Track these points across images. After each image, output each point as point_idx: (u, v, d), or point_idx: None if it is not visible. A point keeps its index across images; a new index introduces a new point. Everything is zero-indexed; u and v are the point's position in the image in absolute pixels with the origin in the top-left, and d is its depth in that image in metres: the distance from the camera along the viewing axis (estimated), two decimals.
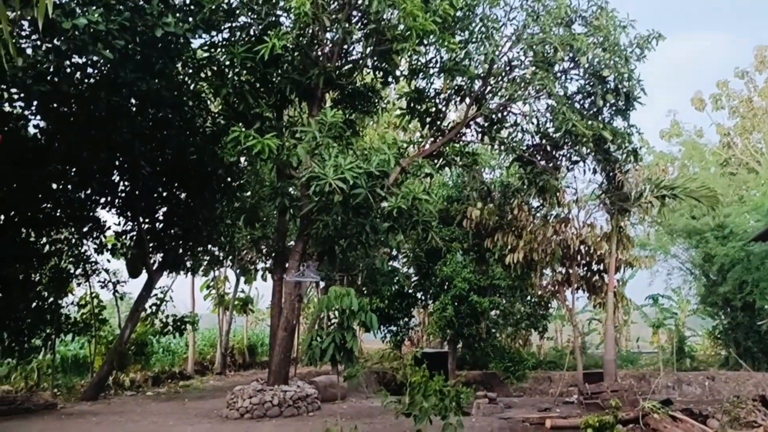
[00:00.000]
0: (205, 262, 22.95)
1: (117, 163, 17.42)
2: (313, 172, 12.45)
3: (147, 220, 19.17)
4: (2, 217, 16.42)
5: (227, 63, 14.75)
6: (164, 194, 19.00)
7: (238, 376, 23.78)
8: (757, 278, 21.96)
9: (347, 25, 14.31)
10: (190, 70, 16.21)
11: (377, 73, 16.49)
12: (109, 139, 15.59)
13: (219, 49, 15.10)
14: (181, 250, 19.73)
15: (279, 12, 14.64)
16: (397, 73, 16.46)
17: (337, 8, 14.12)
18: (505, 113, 17.11)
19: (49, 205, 17.25)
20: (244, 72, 14.85)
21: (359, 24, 14.84)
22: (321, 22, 13.56)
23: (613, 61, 15.19)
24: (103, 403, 16.45)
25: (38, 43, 13.16)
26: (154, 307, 20.36)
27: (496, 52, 15.38)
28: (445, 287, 21.21)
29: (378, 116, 19.56)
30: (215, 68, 15.35)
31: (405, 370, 9.04)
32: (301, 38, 14.45)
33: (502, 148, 17.86)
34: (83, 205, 17.92)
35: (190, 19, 13.96)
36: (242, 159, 17.26)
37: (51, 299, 18.08)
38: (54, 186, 17.15)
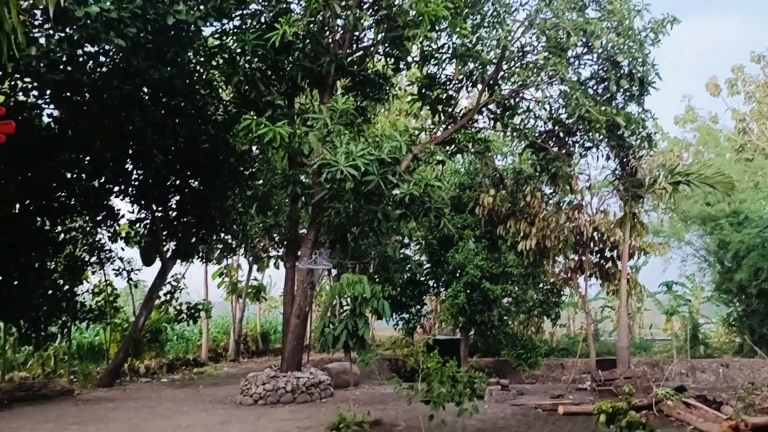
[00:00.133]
0: (218, 250, 23.08)
1: (130, 151, 17.49)
2: (325, 160, 12.43)
3: (160, 209, 19.28)
4: (17, 206, 16.57)
5: (238, 50, 14.71)
6: (177, 183, 19.09)
7: (251, 363, 23.94)
8: None
9: (358, 11, 14.23)
10: (202, 58, 16.22)
11: (388, 59, 16.40)
12: (122, 127, 15.66)
13: (230, 37, 15.08)
14: (194, 239, 19.85)
15: None
16: (409, 59, 16.36)
17: None
18: (517, 99, 16.96)
19: (63, 194, 17.39)
20: (256, 59, 14.82)
21: (370, 10, 14.76)
22: (332, 9, 13.49)
23: (627, 46, 15.01)
24: (118, 390, 16.64)
25: (51, 32, 13.22)
26: (168, 295, 20.51)
27: (509, 38, 15.22)
28: (458, 275, 21.19)
29: (389, 103, 19.48)
30: (226, 56, 15.33)
31: (417, 357, 9.06)
32: (312, 25, 14.40)
33: (515, 134, 17.74)
34: (97, 193, 18.03)
35: (201, 6, 13.95)
36: (254, 147, 17.27)
37: (66, 287, 18.29)
38: (68, 175, 17.27)
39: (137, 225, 19.45)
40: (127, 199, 18.78)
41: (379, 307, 11.42)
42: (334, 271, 24.07)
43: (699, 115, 32.13)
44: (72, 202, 17.67)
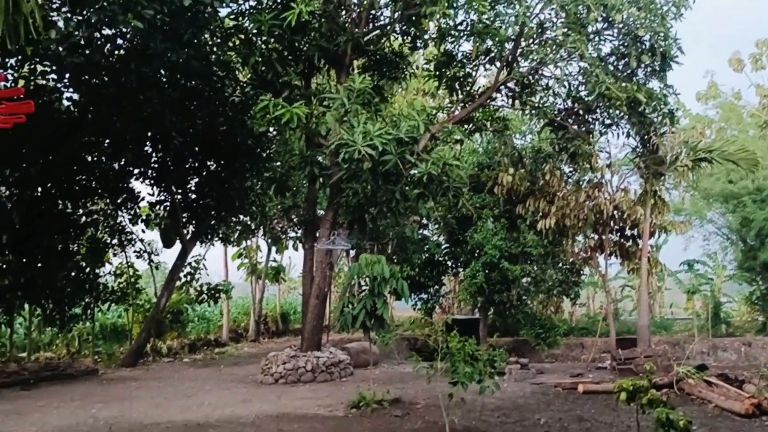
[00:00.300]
0: (237, 232, 23.23)
1: (149, 134, 17.59)
2: (342, 140, 12.40)
3: (179, 191, 19.43)
4: (39, 189, 16.79)
5: (255, 31, 14.67)
6: (196, 165, 19.20)
7: (271, 343, 24.17)
8: None
9: None
10: (218, 40, 16.20)
11: (405, 38, 16.26)
12: (140, 110, 15.74)
13: (246, 17, 15.06)
14: (213, 220, 20.01)
15: None
16: (426, 37, 16.21)
17: None
18: (536, 77, 16.76)
19: (84, 177, 17.58)
20: (272, 40, 14.77)
21: None
22: None
23: (648, 20, 14.70)
24: (142, 369, 16.90)
25: (69, 15, 13.26)
26: (188, 276, 20.75)
27: (527, 14, 14.97)
28: (476, 254, 21.14)
29: (406, 83, 19.33)
30: (243, 37, 15.31)
31: (437, 336, 9.07)
32: (328, 4, 14.30)
33: (534, 112, 17.57)
34: (117, 176, 18.21)
35: None
36: (271, 128, 17.28)
37: (89, 269, 18.54)
38: (88, 158, 17.45)
39: (157, 207, 19.64)
40: (146, 181, 18.97)
41: (398, 287, 11.45)
42: (352, 252, 24.13)
43: (722, 92, 31.52)
44: (93, 185, 17.87)
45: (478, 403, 10.52)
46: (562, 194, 18.12)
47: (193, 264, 20.81)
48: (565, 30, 14.92)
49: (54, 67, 14.72)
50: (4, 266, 16.14)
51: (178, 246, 19.43)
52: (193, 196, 19.70)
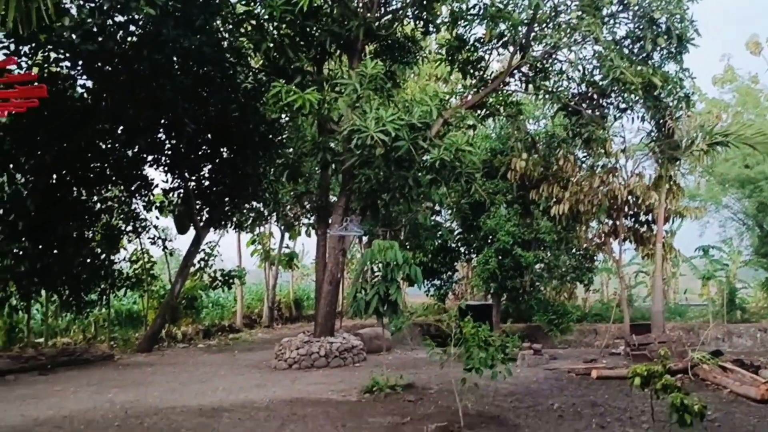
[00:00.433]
0: (251, 219, 23.31)
1: (162, 121, 17.64)
2: (355, 126, 12.36)
3: (193, 178, 19.50)
4: (54, 176, 16.91)
5: (266, 17, 14.61)
6: (209, 151, 19.25)
7: (285, 329, 24.30)
8: None
9: None
10: (230, 26, 16.19)
11: (417, 22, 16.15)
12: (153, 97, 15.77)
13: (258, 3, 14.98)
14: (226, 207, 20.08)
15: None
16: (438, 21, 16.08)
17: None
18: (550, 61, 16.62)
19: (98, 164, 17.67)
20: (284, 25, 14.72)
21: None
22: None
23: (664, 2, 14.51)
24: (157, 355, 17.05)
25: (81, 2, 13.29)
26: (202, 263, 20.88)
27: None
28: (489, 241, 21.08)
29: (419, 68, 19.22)
30: (254, 22, 15.26)
31: (450, 322, 9.05)
32: None
33: (547, 97, 17.41)
34: (131, 163, 18.30)
35: None
36: (283, 115, 17.27)
37: (104, 256, 18.69)
38: (102, 145, 17.53)
39: (171, 194, 19.74)
40: (160, 168, 19.04)
41: (411, 272, 11.44)
42: (365, 239, 24.14)
43: (738, 75, 31.07)
44: (107, 172, 17.97)
45: (491, 388, 10.54)
46: (575, 179, 18.02)
47: (207, 250, 20.97)
48: (580, 13, 14.77)
49: (67, 55, 14.77)
50: (21, 253, 16.31)
51: (191, 232, 19.55)
52: (207, 183, 19.77)
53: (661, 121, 16.66)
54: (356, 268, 26.50)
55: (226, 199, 19.82)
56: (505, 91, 17.71)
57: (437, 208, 24.19)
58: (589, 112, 16.69)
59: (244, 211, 21.93)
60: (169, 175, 19.28)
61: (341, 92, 13.26)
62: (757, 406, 9.56)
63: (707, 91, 29.94)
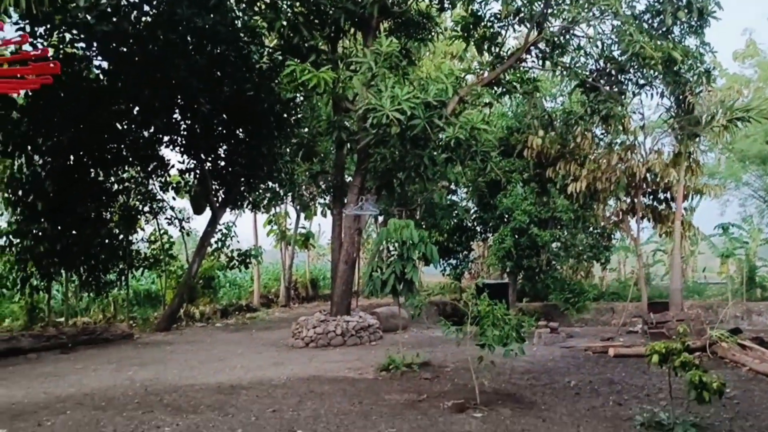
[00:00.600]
0: (267, 199, 23.38)
1: (177, 101, 17.65)
2: (370, 104, 12.28)
3: (209, 158, 19.55)
4: (72, 157, 17.03)
5: None
6: (224, 132, 19.26)
7: (302, 309, 24.46)
8: None
9: None
10: (244, 5, 16.08)
11: None
12: (168, 77, 15.78)
13: None
14: (242, 187, 20.14)
15: None
16: None
17: None
18: (567, 37, 16.34)
19: (114, 145, 17.76)
20: (298, 3, 14.63)
21: None
22: None
23: None
24: (175, 334, 17.24)
25: None
26: (219, 243, 21.02)
27: None
28: (505, 220, 21.01)
29: (434, 45, 19.01)
30: (268, 1, 15.14)
31: (467, 299, 9.03)
32: None
33: (564, 73, 17.17)
34: (147, 144, 18.37)
35: None
36: (298, 94, 17.21)
37: (122, 236, 18.86)
38: (118, 126, 17.59)
39: (187, 175, 19.81)
40: (176, 149, 19.10)
41: (427, 251, 11.39)
42: (380, 218, 24.15)
43: (761, 50, 30.43)
44: (123, 153, 18.07)
45: (507, 366, 10.54)
46: (593, 157, 17.84)
47: (224, 230, 21.10)
48: None
49: (82, 36, 14.79)
50: (40, 234, 16.50)
51: (208, 213, 19.64)
52: (222, 163, 19.83)
53: (681, 96, 16.41)
54: (372, 247, 26.57)
55: (242, 179, 19.87)
56: (521, 68, 17.48)
57: (453, 187, 24.12)
58: (608, 88, 16.44)
59: (260, 191, 22.00)
60: (185, 155, 19.35)
61: (356, 71, 13.16)
62: None
63: (728, 67, 29.41)
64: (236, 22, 16.16)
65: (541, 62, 17.10)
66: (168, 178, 19.79)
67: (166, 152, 19.35)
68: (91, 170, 17.69)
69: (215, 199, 19.58)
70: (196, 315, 20.63)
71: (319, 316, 14.75)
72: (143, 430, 7.08)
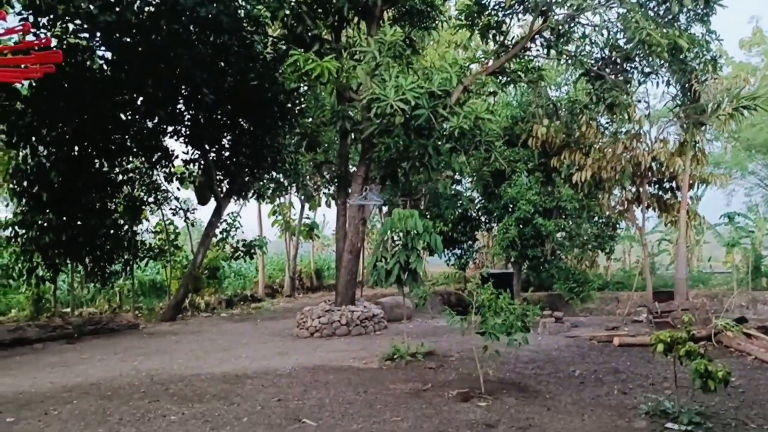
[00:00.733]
0: (271, 189, 23.40)
1: (181, 92, 17.62)
2: (374, 94, 12.24)
3: (213, 149, 19.54)
4: (76, 148, 17.04)
5: None
6: (228, 122, 19.24)
7: (306, 299, 24.52)
8: None
9: None
10: None
11: None
12: (172, 67, 15.75)
13: None
14: (247, 177, 20.14)
15: None
16: None
17: None
18: (572, 25, 16.23)
19: (119, 136, 17.75)
20: None
21: None
22: None
23: None
24: (180, 324, 17.30)
25: None
26: (224, 233, 21.06)
27: None
28: (510, 209, 20.97)
29: (438, 34, 18.92)
30: None
31: (471, 288, 9.02)
32: None
33: (569, 62, 17.06)
34: (151, 134, 18.37)
35: None
36: (302, 84, 17.15)
37: (127, 227, 18.90)
38: (122, 116, 17.58)
39: (191, 165, 19.83)
40: (180, 139, 19.08)
41: (431, 241, 11.39)
42: (385, 208, 24.15)
43: (767, 38, 30.19)
44: (128, 144, 18.05)
45: (512, 356, 10.55)
46: (598, 146, 17.76)
47: (229, 220, 21.13)
48: None
49: (85, 26, 14.74)
50: (46, 225, 16.54)
51: (212, 203, 19.67)
52: (226, 154, 19.82)
53: (687, 85, 16.29)
54: (376, 237, 26.59)
55: (246, 169, 19.87)
56: (526, 57, 17.38)
57: (457, 176, 24.08)
58: (613, 76, 16.33)
59: (264, 181, 22.01)
60: (189, 146, 19.35)
61: (360, 60, 13.11)
62: None
63: (734, 55, 29.23)
64: (239, 11, 16.09)
65: (545, 51, 16.99)
66: (172, 169, 19.79)
67: (170, 143, 19.33)
68: (96, 161, 17.70)
69: (219, 189, 19.59)
70: (201, 305, 20.71)
71: (324, 306, 14.78)
72: (149, 419, 7.11)
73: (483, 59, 18.03)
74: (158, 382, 9.09)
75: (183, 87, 17.19)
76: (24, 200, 16.50)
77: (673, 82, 16.51)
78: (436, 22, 16.85)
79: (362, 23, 15.95)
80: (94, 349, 12.73)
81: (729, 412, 7.21)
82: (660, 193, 18.23)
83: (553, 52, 16.72)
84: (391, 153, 14.71)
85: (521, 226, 20.15)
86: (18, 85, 14.53)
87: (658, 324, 14.15)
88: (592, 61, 16.52)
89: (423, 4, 16.20)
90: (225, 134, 19.58)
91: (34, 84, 14.95)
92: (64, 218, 16.87)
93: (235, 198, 20.82)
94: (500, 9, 16.28)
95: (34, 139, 16.00)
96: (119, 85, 16.25)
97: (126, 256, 18.98)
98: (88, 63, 15.85)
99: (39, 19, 14.13)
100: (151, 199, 19.96)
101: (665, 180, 17.95)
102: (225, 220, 20.91)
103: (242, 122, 19.32)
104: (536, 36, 16.22)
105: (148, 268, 22.78)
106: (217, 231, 20.41)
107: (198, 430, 6.66)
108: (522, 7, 15.99)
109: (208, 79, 16.46)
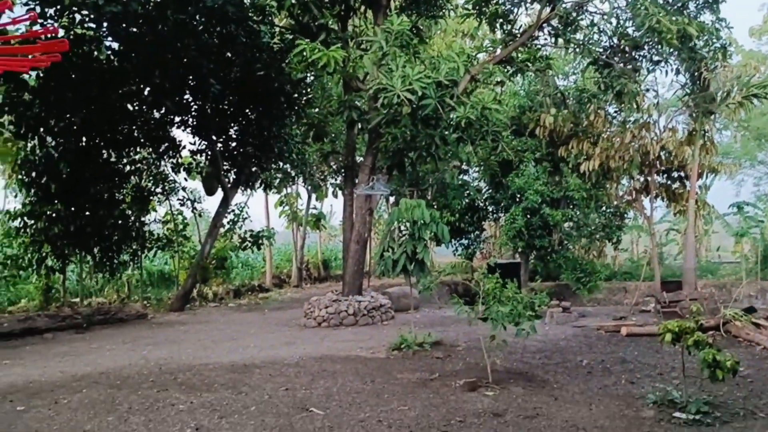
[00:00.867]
0: (278, 179, 23.40)
1: (188, 82, 17.62)
2: (381, 84, 12.20)
3: (220, 139, 19.55)
4: (84, 138, 17.09)
5: None
6: (235, 113, 19.23)
7: (313, 289, 24.56)
8: None
9: None
10: None
11: None
12: (178, 58, 15.73)
13: None
14: (254, 168, 20.16)
15: None
16: None
17: None
18: (581, 13, 16.11)
19: (126, 126, 17.78)
20: None
21: None
22: None
23: None
24: (189, 314, 17.39)
25: None
26: (231, 223, 21.10)
27: None
28: (517, 199, 20.91)
29: (445, 23, 18.80)
30: None
31: (478, 278, 9.01)
32: None
33: (577, 50, 16.95)
34: (159, 125, 18.39)
35: None
36: (309, 74, 17.11)
37: (134, 217, 18.97)
38: (130, 107, 17.60)
39: (198, 155, 19.85)
40: (187, 130, 19.09)
41: (438, 231, 11.37)
42: (392, 198, 24.12)
43: None
44: (135, 134, 18.09)
45: (519, 345, 10.55)
46: (606, 135, 17.68)
47: (236, 211, 21.16)
48: None
49: (92, 17, 14.73)
50: (54, 215, 16.62)
51: (219, 194, 19.69)
52: (233, 144, 19.83)
53: (696, 73, 16.16)
54: (383, 227, 26.59)
55: (253, 159, 19.88)
56: (534, 46, 17.27)
57: (464, 166, 24.01)
58: (621, 65, 16.22)
59: (271, 171, 22.01)
60: (196, 136, 19.36)
61: (366, 49, 13.06)
62: None
63: (744, 43, 28.95)
64: (245, 1, 16.04)
65: (553, 39, 16.89)
66: (179, 159, 19.83)
67: (177, 133, 19.38)
68: (104, 151, 17.75)
69: (226, 179, 19.62)
70: (209, 295, 20.79)
71: (331, 296, 14.81)
72: (158, 408, 7.15)
73: (490, 48, 17.92)
74: (167, 372, 9.14)
75: (190, 77, 17.19)
76: (33, 191, 16.58)
77: (682, 71, 16.38)
78: (443, 10, 16.75)
79: (369, 12, 15.87)
80: (103, 339, 12.81)
81: (737, 401, 7.19)
82: (668, 182, 18.15)
83: (561, 40, 16.62)
84: (398, 143, 14.68)
85: (528, 216, 20.08)
86: (26, 76, 14.56)
87: (666, 314, 14.13)
88: (601, 50, 16.41)
89: None
90: (232, 124, 19.58)
91: (41, 75, 14.97)
92: (73, 209, 16.95)
93: (242, 188, 20.85)
94: None
95: (42, 129, 16.05)
96: (126, 75, 16.25)
97: (134, 247, 19.06)
98: (95, 53, 15.85)
99: (46, 9, 14.13)
100: (158, 190, 20.03)
101: (674, 169, 17.87)
102: (232, 211, 20.97)
103: (249, 112, 19.31)
104: (544, 24, 16.12)
105: (156, 258, 22.87)
106: (225, 221, 20.47)
107: (206, 419, 6.69)
108: None
109: (214, 70, 16.45)
